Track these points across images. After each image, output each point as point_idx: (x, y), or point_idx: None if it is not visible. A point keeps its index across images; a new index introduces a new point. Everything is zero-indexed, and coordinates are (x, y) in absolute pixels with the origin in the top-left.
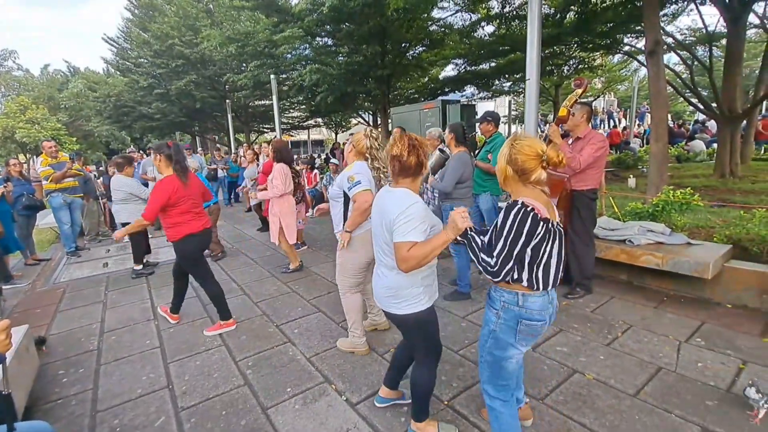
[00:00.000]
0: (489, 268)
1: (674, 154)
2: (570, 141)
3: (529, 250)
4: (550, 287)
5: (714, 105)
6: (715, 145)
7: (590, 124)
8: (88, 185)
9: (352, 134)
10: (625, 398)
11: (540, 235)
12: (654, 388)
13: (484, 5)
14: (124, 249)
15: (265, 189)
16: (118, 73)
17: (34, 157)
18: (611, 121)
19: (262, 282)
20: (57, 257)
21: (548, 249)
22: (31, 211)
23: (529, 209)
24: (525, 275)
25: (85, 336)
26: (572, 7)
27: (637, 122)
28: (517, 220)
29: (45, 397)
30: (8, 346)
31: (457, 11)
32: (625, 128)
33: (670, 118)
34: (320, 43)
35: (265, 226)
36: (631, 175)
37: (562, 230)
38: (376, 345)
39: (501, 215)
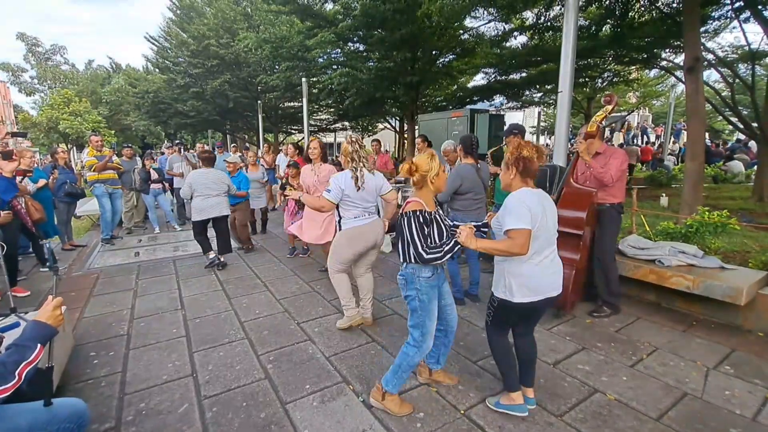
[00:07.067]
0: None
1: (711, 174)
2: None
3: None
4: None
5: (755, 125)
6: (755, 167)
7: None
8: (125, 177)
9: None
10: (647, 421)
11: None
12: (678, 413)
13: (518, 16)
14: (155, 240)
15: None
16: (158, 70)
17: (74, 147)
18: (645, 137)
19: (284, 280)
20: (92, 244)
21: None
22: (72, 198)
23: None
24: None
25: (116, 321)
26: (608, 20)
27: (673, 139)
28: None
29: (77, 376)
30: (62, 321)
31: (489, 21)
32: (660, 145)
33: (707, 136)
34: (352, 48)
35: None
36: (664, 194)
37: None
38: (393, 351)
39: None
